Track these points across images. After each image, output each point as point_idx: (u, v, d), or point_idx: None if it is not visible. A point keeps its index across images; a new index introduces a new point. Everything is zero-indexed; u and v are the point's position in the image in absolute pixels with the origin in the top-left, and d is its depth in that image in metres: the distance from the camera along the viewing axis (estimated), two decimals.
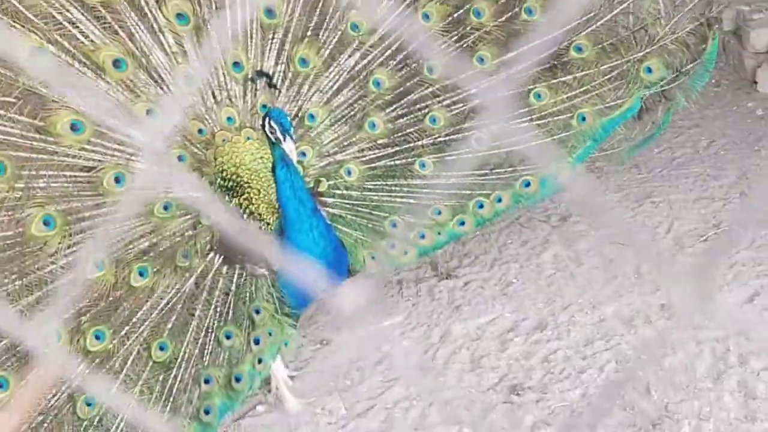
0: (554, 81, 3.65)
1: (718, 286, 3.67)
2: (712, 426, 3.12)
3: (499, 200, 3.71)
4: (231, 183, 3.32)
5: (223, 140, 3.35)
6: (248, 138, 3.38)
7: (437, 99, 3.60)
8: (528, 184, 3.72)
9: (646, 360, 3.28)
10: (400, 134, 3.59)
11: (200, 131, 3.34)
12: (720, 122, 4.98)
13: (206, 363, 3.17)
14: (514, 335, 3.68)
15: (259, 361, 3.25)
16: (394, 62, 3.57)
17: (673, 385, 3.29)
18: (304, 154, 3.49)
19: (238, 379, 3.22)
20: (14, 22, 2.99)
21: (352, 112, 3.55)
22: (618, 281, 3.91)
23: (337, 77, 3.53)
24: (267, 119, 3.07)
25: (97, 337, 3.03)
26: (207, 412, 3.16)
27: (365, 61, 3.53)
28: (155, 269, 3.16)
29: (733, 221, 4.05)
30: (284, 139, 3.02)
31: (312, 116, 3.52)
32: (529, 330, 3.70)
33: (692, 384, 3.29)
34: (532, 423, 3.24)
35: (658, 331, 3.47)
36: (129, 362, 3.03)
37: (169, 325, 3.13)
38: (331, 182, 3.53)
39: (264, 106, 3.39)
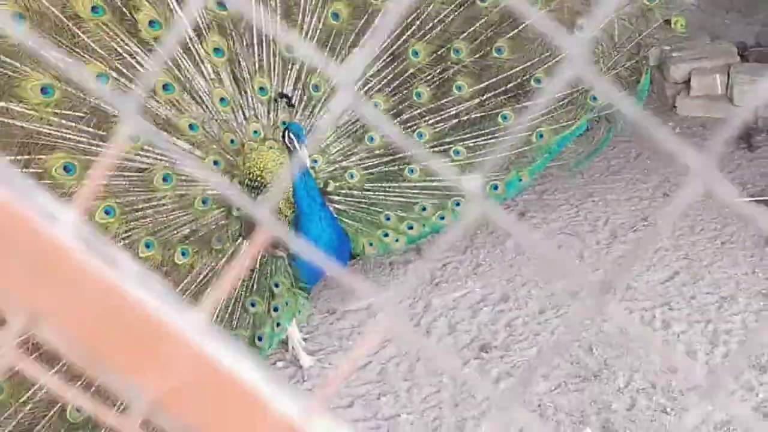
0: (518, 106, 3.65)
1: (646, 267, 3.68)
2: (641, 376, 3.15)
3: None
4: (256, 183, 3.32)
5: (250, 149, 3.34)
6: (270, 147, 3.37)
7: (423, 119, 3.61)
8: (496, 188, 3.72)
9: (588, 324, 3.29)
10: (393, 146, 3.59)
11: (232, 141, 3.34)
12: (647, 138, 4.97)
13: (234, 325, 3.18)
14: (483, 305, 3.68)
15: (278, 325, 3.25)
16: (389, 89, 3.57)
17: (610, 344, 3.32)
18: (315, 161, 3.49)
19: (260, 339, 3.23)
20: (84, 53, 2.98)
21: (355, 128, 3.56)
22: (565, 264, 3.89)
23: None
24: (286, 131, 3.08)
25: None
26: None
27: (366, 88, 3.54)
28: (195, 250, 3.17)
29: (657, 216, 4.05)
30: (300, 148, 3.02)
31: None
32: (495, 301, 3.71)
33: (625, 344, 3.32)
34: (498, 374, 3.26)
35: (598, 302, 3.45)
36: None
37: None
38: (337, 183, 3.53)
39: (284, 122, 3.39)
